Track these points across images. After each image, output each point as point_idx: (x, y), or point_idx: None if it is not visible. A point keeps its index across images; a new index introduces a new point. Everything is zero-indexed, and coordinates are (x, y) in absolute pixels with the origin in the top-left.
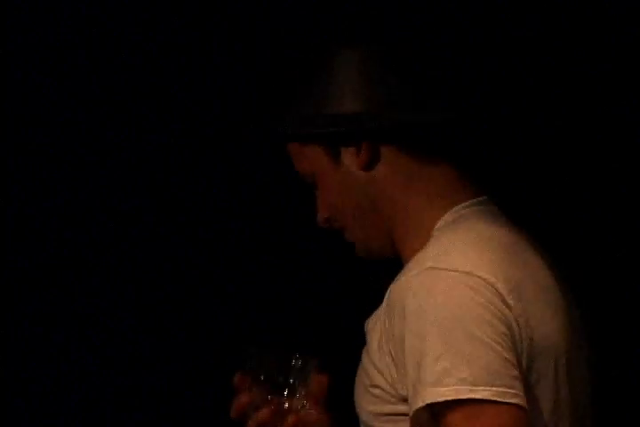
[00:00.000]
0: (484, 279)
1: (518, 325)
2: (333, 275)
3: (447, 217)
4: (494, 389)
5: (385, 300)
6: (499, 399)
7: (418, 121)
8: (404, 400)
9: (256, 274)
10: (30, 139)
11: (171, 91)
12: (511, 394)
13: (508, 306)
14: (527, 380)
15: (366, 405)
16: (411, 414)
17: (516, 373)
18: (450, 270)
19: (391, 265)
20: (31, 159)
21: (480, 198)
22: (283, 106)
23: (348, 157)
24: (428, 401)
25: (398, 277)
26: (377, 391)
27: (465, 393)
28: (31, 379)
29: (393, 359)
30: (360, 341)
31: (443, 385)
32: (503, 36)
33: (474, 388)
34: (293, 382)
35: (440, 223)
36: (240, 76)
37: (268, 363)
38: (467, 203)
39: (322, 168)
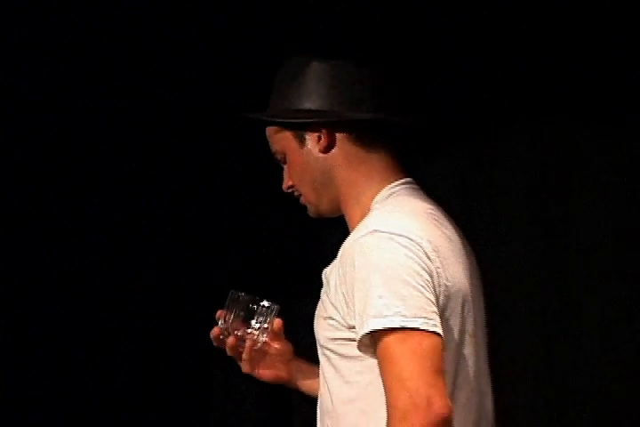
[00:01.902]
0: (413, 240)
1: (437, 274)
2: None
3: (383, 193)
4: (420, 320)
5: (339, 255)
6: (422, 328)
7: (359, 118)
8: (352, 328)
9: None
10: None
11: (168, 88)
12: (431, 324)
13: (430, 260)
14: (442, 315)
15: (323, 332)
16: (358, 338)
17: (435, 309)
18: (389, 233)
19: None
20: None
21: (407, 179)
22: (267, 102)
23: (311, 143)
24: (372, 328)
25: (349, 238)
26: (332, 322)
27: (399, 323)
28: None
29: (344, 298)
30: (319, 285)
31: (382, 317)
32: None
33: (405, 319)
34: (257, 319)
35: (378, 197)
36: (233, 79)
37: (241, 304)
38: (397, 182)
39: (290, 149)
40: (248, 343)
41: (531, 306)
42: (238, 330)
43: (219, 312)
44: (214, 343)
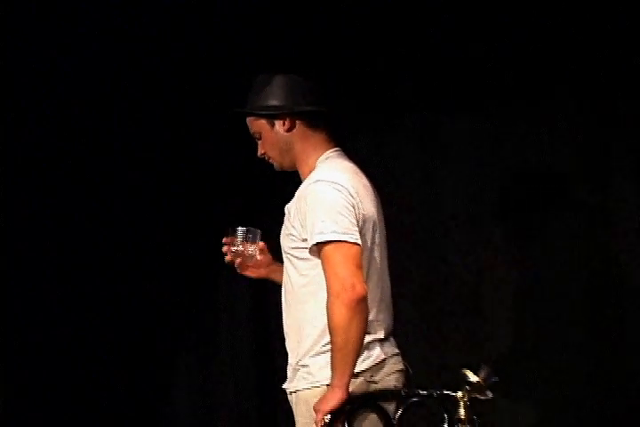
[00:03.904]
0: (343, 185)
1: (357, 207)
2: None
3: (323, 157)
4: (347, 235)
5: (296, 196)
6: (348, 240)
7: (306, 110)
8: (304, 241)
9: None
10: None
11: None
12: (354, 238)
13: (353, 198)
14: (361, 231)
15: (286, 243)
16: (308, 246)
17: (356, 228)
18: (327, 181)
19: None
20: None
21: (337, 148)
22: (248, 99)
23: (278, 126)
24: (317, 240)
25: (302, 185)
26: (292, 237)
27: (334, 237)
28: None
29: (300, 222)
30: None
31: (324, 233)
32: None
33: (338, 235)
34: (250, 240)
35: (319, 159)
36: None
37: (237, 233)
38: (331, 150)
39: (264, 130)
40: (242, 258)
41: None
42: (237, 248)
43: (224, 239)
44: (228, 260)
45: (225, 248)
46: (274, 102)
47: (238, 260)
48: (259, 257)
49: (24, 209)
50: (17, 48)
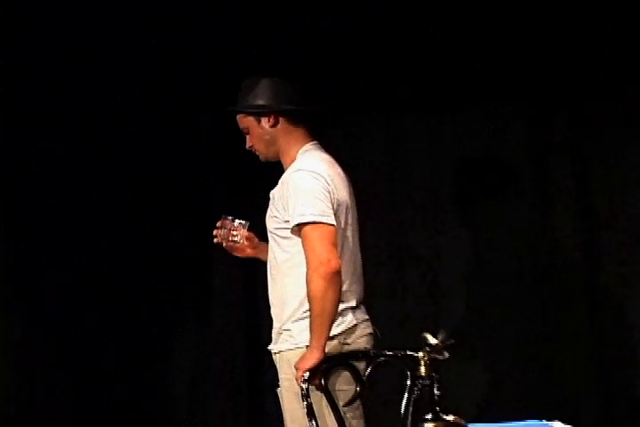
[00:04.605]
0: (320, 174)
1: (332, 192)
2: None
3: (302, 149)
4: (324, 217)
5: (279, 183)
6: (325, 221)
7: (289, 109)
8: (286, 222)
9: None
10: None
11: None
12: (330, 219)
13: (328, 185)
14: (335, 214)
15: (271, 224)
16: (290, 227)
17: (332, 211)
18: (307, 171)
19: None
20: None
21: (316, 142)
22: (239, 99)
23: (264, 122)
24: (298, 222)
25: (285, 174)
26: (276, 219)
27: (312, 218)
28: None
29: (283, 206)
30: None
31: (304, 215)
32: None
33: (316, 217)
34: (236, 228)
35: (300, 151)
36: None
37: (228, 221)
38: (310, 144)
39: (252, 126)
40: (227, 242)
41: None
42: (227, 235)
43: (218, 223)
44: (216, 241)
45: (216, 232)
46: (260, 102)
47: (224, 243)
48: (246, 242)
49: (21, 197)
50: (17, 48)
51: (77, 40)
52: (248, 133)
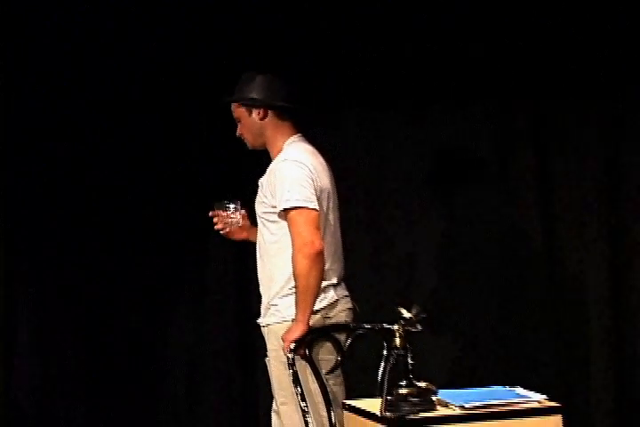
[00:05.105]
0: (304, 163)
1: (315, 180)
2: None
3: (288, 141)
4: (308, 202)
5: (267, 171)
6: (309, 206)
7: (277, 104)
8: (274, 207)
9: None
10: None
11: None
12: (314, 204)
13: (312, 173)
14: (318, 199)
15: (260, 208)
16: (277, 211)
17: (315, 197)
18: (292, 160)
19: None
20: None
21: (300, 135)
22: (235, 90)
23: (254, 114)
24: (284, 207)
25: (272, 163)
26: (264, 204)
27: (297, 204)
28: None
29: (270, 193)
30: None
31: (289, 201)
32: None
33: (301, 202)
34: (234, 210)
35: (286, 143)
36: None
37: (222, 205)
38: (295, 136)
39: (243, 116)
40: (220, 225)
41: None
42: (229, 220)
43: (212, 212)
44: (217, 228)
45: (215, 219)
46: (253, 95)
47: (227, 229)
48: (242, 221)
49: (19, 188)
50: (17, 47)
51: (77, 40)
52: (239, 122)
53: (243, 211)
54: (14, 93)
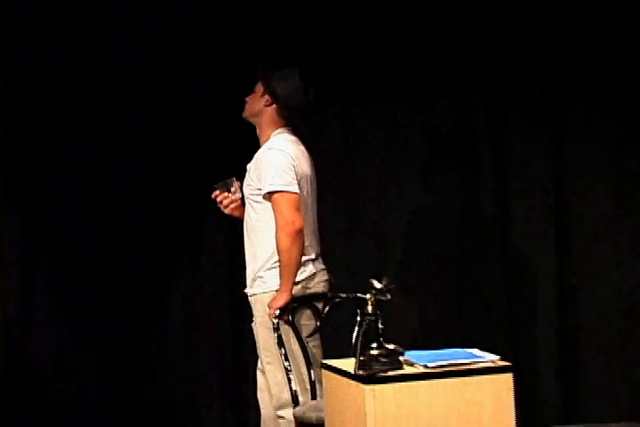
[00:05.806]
0: (287, 152)
1: (296, 167)
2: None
3: (277, 131)
4: (289, 187)
5: (254, 158)
6: (290, 190)
7: (284, 106)
8: (259, 189)
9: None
10: None
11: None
12: (295, 188)
13: (294, 161)
14: (299, 184)
15: (248, 190)
16: (262, 193)
17: (296, 182)
18: (277, 149)
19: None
20: None
21: (288, 127)
22: (273, 74)
23: (265, 98)
24: (268, 190)
25: (259, 151)
26: (251, 187)
27: (280, 187)
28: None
29: (257, 177)
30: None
31: (273, 185)
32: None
33: (283, 186)
34: (230, 188)
35: (274, 133)
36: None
37: (222, 185)
38: (283, 128)
39: (258, 92)
40: (228, 201)
41: None
42: (234, 196)
43: (216, 193)
44: (224, 205)
45: (220, 198)
46: (277, 87)
47: (233, 205)
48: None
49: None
50: (17, 47)
51: (77, 40)
52: (254, 92)
53: (237, 182)
54: (14, 93)
